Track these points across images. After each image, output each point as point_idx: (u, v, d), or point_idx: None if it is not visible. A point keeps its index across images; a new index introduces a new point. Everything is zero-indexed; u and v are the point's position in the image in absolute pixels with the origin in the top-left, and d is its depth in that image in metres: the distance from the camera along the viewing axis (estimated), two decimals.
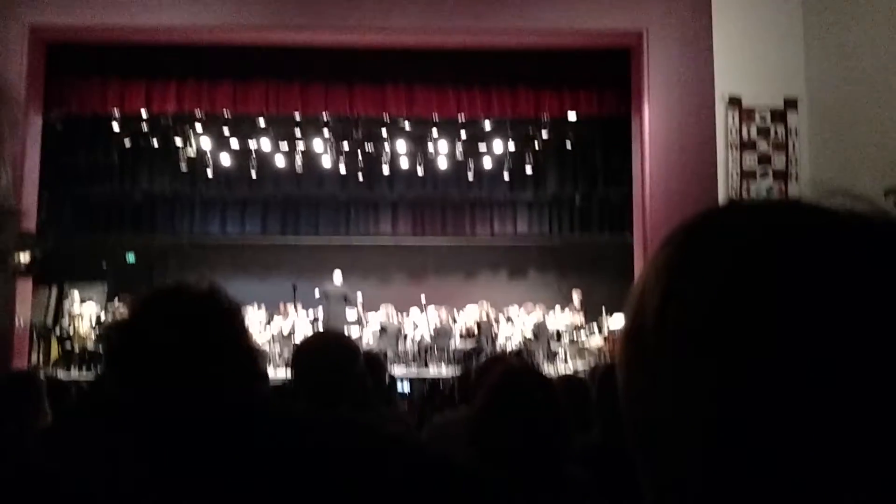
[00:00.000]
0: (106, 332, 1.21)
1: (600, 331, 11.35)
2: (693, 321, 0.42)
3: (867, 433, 0.38)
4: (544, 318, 11.55)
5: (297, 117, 11.02)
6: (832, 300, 0.39)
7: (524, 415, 1.76)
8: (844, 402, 0.38)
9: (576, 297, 11.92)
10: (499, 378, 1.89)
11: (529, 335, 11.15)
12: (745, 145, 8.53)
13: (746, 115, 8.60)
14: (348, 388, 1.95)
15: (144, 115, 10.80)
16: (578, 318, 11.65)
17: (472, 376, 2.93)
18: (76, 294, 11.52)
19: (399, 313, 11.78)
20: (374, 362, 3.30)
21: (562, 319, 11.66)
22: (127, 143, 11.76)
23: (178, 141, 11.92)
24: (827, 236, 0.42)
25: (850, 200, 0.44)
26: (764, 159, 8.51)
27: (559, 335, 11.46)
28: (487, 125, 11.44)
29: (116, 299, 11.66)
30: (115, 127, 11.12)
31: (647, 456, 0.46)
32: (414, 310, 11.90)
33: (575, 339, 11.38)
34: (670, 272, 0.45)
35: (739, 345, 0.40)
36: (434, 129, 11.60)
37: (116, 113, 10.49)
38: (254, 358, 1.19)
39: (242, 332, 1.19)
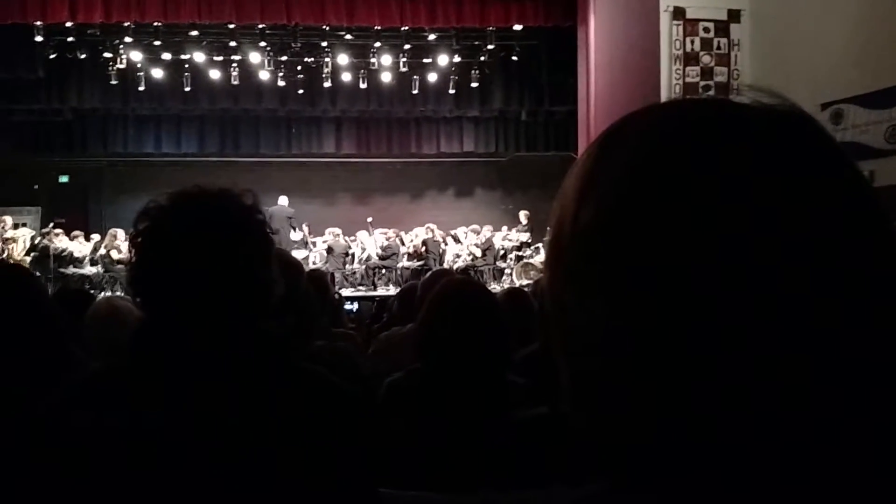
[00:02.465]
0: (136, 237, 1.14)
1: (545, 248, 11.50)
2: (595, 223, 0.44)
3: (747, 333, 0.40)
4: (492, 237, 11.64)
5: (232, 27, 10.55)
6: (718, 196, 0.41)
7: (466, 324, 1.77)
8: (723, 303, 0.39)
9: (523, 216, 12.01)
10: (441, 289, 1.89)
11: (477, 254, 11.24)
12: (689, 58, 8.52)
13: (690, 26, 8.56)
14: (293, 304, 1.92)
15: (69, 26, 10.20)
16: (525, 237, 11.77)
17: (416, 291, 2.93)
18: (9, 220, 11.09)
19: (346, 236, 11.71)
20: (319, 280, 3.26)
21: (509, 238, 11.77)
22: (52, 56, 11.09)
23: (107, 54, 11.31)
24: (727, 130, 0.43)
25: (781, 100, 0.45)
26: (707, 72, 8.53)
27: (506, 253, 11.59)
28: (432, 37, 11.15)
29: (51, 223, 11.27)
30: (39, 38, 10.45)
31: (561, 349, 0.47)
32: (361, 232, 11.84)
33: (522, 256, 11.53)
34: (584, 176, 0.46)
35: (623, 246, 0.42)
36: (377, 41, 11.25)
37: (39, 24, 9.87)
38: (267, 290, 1.14)
39: (265, 261, 1.14)
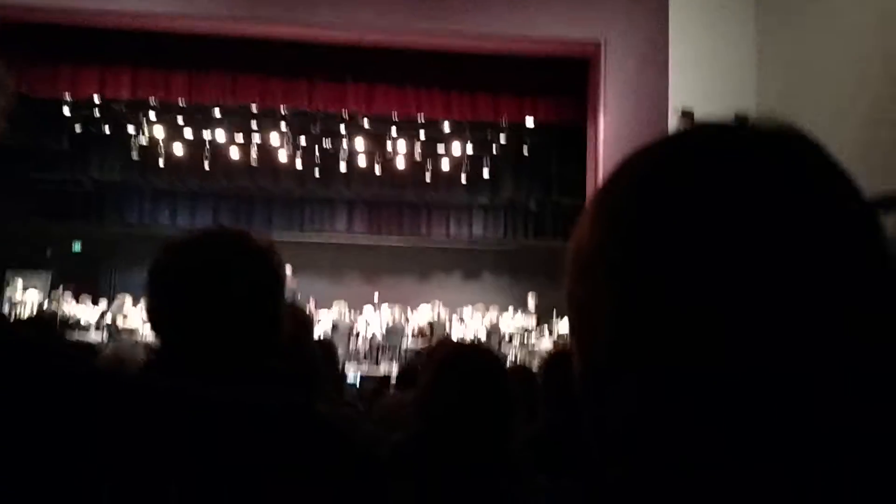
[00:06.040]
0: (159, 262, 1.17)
1: (551, 334, 11.47)
2: (603, 238, 0.48)
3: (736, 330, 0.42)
4: (497, 320, 11.63)
5: (255, 109, 10.91)
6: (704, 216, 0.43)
7: (470, 388, 1.78)
8: (713, 307, 0.42)
9: (531, 300, 12.02)
10: (447, 353, 1.92)
11: (481, 336, 11.21)
12: None
13: None
14: (301, 359, 1.95)
15: (97, 101, 10.57)
16: (531, 322, 11.75)
17: (418, 366, 2.95)
18: (19, 282, 11.20)
19: (352, 311, 11.72)
20: (328, 348, 3.29)
21: (514, 322, 11.76)
22: (78, 128, 11.46)
23: (131, 128, 11.67)
24: (730, 148, 0.46)
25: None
26: None
27: (511, 337, 11.55)
28: (447, 127, 11.49)
29: (61, 288, 11.36)
30: (66, 111, 10.83)
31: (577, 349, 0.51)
32: (367, 308, 11.86)
33: (525, 341, 11.48)
34: (596, 198, 0.50)
35: (623, 259, 0.45)
36: (393, 129, 11.59)
37: (68, 97, 10.24)
38: (276, 328, 1.18)
39: (276, 300, 1.19)
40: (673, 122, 8.81)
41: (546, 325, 11.60)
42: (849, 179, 0.46)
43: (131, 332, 10.07)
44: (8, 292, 11.09)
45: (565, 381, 2.64)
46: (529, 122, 10.37)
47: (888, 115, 6.52)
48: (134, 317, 10.17)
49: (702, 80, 8.89)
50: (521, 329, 11.57)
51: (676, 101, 8.86)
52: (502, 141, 11.79)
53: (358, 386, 7.87)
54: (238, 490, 1.03)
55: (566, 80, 9.54)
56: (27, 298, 10.97)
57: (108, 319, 10.50)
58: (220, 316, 1.11)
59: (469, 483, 1.74)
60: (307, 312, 2.43)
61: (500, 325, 11.52)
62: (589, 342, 0.49)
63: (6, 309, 10.77)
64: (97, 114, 11.24)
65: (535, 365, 10.24)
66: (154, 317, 1.16)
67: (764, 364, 0.41)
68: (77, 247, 13.40)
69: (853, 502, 0.40)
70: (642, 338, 0.44)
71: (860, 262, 0.43)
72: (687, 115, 8.96)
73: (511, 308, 12.18)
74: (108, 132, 11.68)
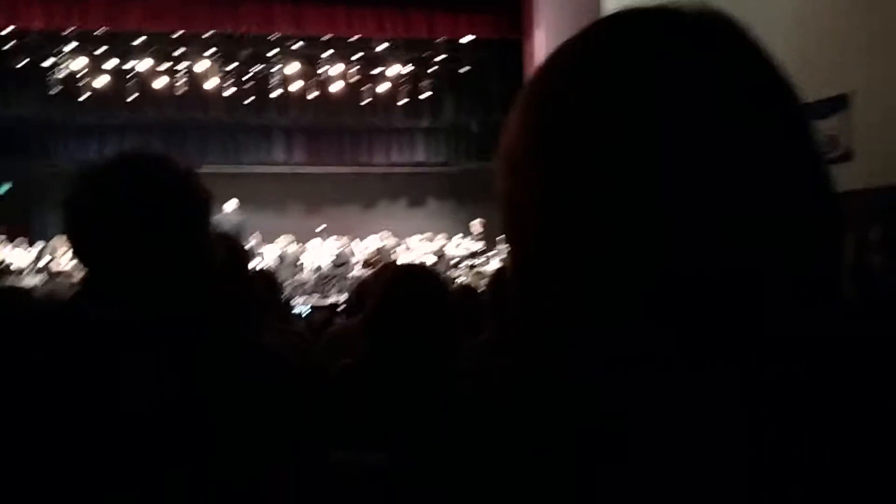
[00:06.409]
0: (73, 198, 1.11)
1: (498, 257, 11.58)
2: (537, 130, 0.47)
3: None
4: (444, 245, 11.68)
5: (178, 35, 10.41)
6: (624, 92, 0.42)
7: (413, 308, 1.78)
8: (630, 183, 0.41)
9: (477, 225, 12.06)
10: (390, 275, 1.91)
11: (430, 262, 11.25)
12: None
13: None
14: (238, 289, 1.91)
15: (8, 33, 9.93)
16: (478, 246, 11.83)
17: (367, 287, 2.93)
18: None
19: (297, 244, 11.60)
20: (266, 278, 3.22)
21: (462, 247, 11.82)
22: None
23: (48, 62, 11.03)
24: (656, 34, 0.44)
25: None
26: None
27: (459, 262, 11.63)
28: (381, 47, 11.17)
29: None
30: None
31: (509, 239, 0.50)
32: (313, 241, 11.75)
33: (474, 265, 11.58)
34: (525, 100, 0.50)
35: (562, 148, 0.44)
36: (326, 50, 11.22)
37: None
38: (205, 255, 1.15)
39: (202, 225, 1.14)
40: None
41: (493, 250, 11.69)
42: (776, 68, 0.45)
43: (68, 275, 9.78)
44: None
45: (510, 297, 2.65)
46: (466, 38, 10.17)
47: (833, 23, 6.55)
48: (69, 259, 9.85)
49: None
50: (469, 252, 11.65)
51: (609, 9, 8.77)
52: (438, 59, 11.52)
53: (308, 314, 7.86)
54: (176, 420, 1.00)
55: None
56: None
57: (42, 263, 10.15)
58: (141, 242, 1.06)
59: (415, 401, 1.75)
60: (241, 243, 2.36)
61: (447, 251, 11.56)
62: (520, 237, 0.48)
63: None
64: (10, 47, 10.56)
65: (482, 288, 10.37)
66: (76, 246, 1.10)
67: (696, 261, 0.40)
68: (4, 188, 12.83)
69: (796, 404, 0.41)
70: (571, 231, 0.43)
71: (793, 159, 0.42)
72: None
73: (459, 234, 12.22)
74: (23, 65, 11.00)
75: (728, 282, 0.40)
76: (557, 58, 0.48)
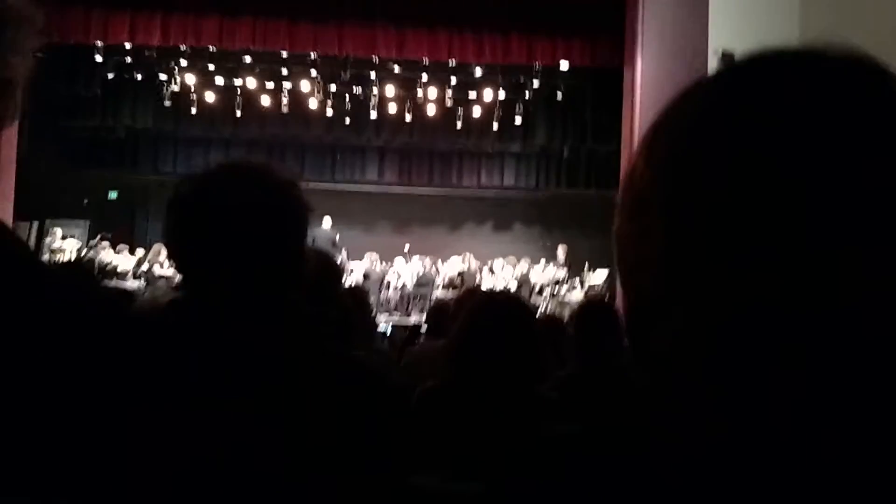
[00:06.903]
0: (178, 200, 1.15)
1: (582, 286, 11.42)
2: (660, 168, 0.45)
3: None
4: (528, 271, 11.60)
5: (284, 55, 10.82)
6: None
7: (500, 335, 1.77)
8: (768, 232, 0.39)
9: (561, 252, 11.95)
10: (477, 301, 1.90)
11: (512, 287, 11.20)
12: None
13: None
14: (330, 305, 1.94)
15: (128, 47, 10.56)
16: (562, 273, 11.70)
17: (448, 308, 2.93)
18: (59, 231, 11.42)
19: (383, 262, 11.78)
20: (360, 296, 3.27)
21: (545, 274, 11.71)
22: (110, 75, 11.48)
23: (163, 76, 11.67)
24: (793, 79, 0.43)
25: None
26: None
27: (541, 289, 11.52)
28: (478, 72, 11.28)
29: (98, 237, 11.56)
30: (98, 58, 10.83)
31: (626, 285, 0.49)
32: (398, 259, 11.91)
33: (556, 293, 11.45)
34: (651, 127, 0.48)
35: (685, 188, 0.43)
36: (424, 74, 11.42)
37: (100, 43, 10.24)
38: (299, 264, 1.16)
39: (299, 238, 1.15)
40: (713, 65, 8.53)
41: (578, 278, 11.54)
42: None
43: (168, 279, 10.25)
44: (47, 241, 11.32)
45: (595, 331, 2.61)
46: (564, 65, 10.13)
47: None
48: (170, 265, 10.34)
49: (743, 20, 8.56)
50: (552, 280, 11.53)
51: (716, 42, 8.55)
52: (535, 85, 11.53)
53: (389, 335, 7.93)
54: (273, 428, 1.01)
55: (601, 22, 9.27)
56: (66, 246, 11.19)
57: (144, 267, 10.68)
58: (240, 250, 1.08)
59: (498, 425, 1.72)
60: (336, 260, 2.40)
61: (531, 277, 11.48)
62: (639, 278, 0.47)
63: (46, 258, 11.01)
64: (129, 60, 11.23)
65: (565, 317, 10.24)
66: (174, 250, 1.13)
67: (823, 307, 0.38)
68: (113, 195, 13.58)
69: None
70: (694, 273, 0.42)
71: None
72: (727, 57, 8.67)
73: (543, 260, 12.13)
74: (139, 79, 11.69)
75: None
76: (691, 96, 0.47)
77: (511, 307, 1.87)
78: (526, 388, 1.78)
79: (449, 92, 11.68)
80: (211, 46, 10.15)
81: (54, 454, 1.00)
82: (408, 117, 12.18)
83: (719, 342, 0.41)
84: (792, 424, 0.39)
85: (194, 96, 11.97)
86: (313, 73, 11.50)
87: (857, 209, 0.38)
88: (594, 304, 3.16)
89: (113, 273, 10.61)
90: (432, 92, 11.76)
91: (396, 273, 11.68)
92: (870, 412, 0.38)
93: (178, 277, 1.14)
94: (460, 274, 11.39)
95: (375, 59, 10.66)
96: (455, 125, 12.40)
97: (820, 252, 0.38)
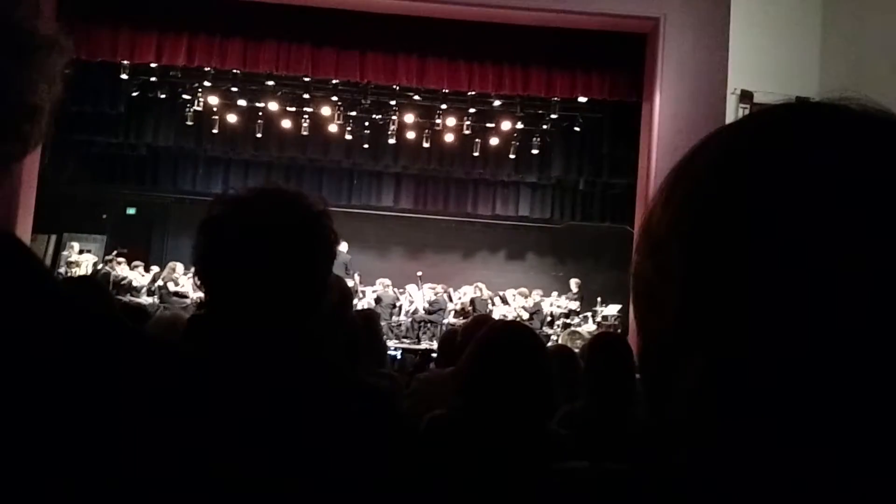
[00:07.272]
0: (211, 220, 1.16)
1: (594, 318, 11.37)
2: (678, 212, 0.46)
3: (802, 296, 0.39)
4: (540, 301, 11.58)
5: (307, 80, 10.95)
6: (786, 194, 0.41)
7: (512, 367, 1.76)
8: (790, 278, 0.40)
9: (573, 284, 11.92)
10: (488, 330, 1.90)
11: (524, 317, 11.17)
12: None
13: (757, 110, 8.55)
14: (341, 329, 1.95)
15: (153, 67, 10.73)
16: (575, 305, 11.66)
17: (457, 336, 2.94)
18: (76, 245, 11.54)
19: (395, 288, 11.80)
20: (371, 320, 3.28)
21: (558, 305, 11.68)
22: (134, 93, 11.66)
23: (186, 95, 11.84)
24: (818, 132, 0.43)
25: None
26: None
27: (553, 320, 11.48)
28: (497, 102, 11.36)
29: (114, 252, 11.67)
30: (124, 76, 11.00)
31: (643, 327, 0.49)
32: (410, 286, 11.93)
33: (569, 324, 11.40)
34: (670, 175, 0.49)
35: (703, 233, 0.44)
36: (443, 104, 11.52)
37: (126, 62, 10.40)
38: (320, 293, 1.17)
39: (325, 265, 1.17)
40: (731, 103, 8.55)
41: (590, 311, 11.50)
42: None
43: (182, 296, 10.31)
44: (64, 255, 11.43)
45: (608, 365, 2.61)
46: (582, 98, 10.18)
47: None
48: (184, 283, 10.40)
49: (762, 58, 8.60)
50: (566, 310, 11.50)
51: (735, 80, 8.59)
52: (553, 117, 11.59)
53: (399, 359, 7.92)
54: (282, 449, 1.02)
55: (620, 56, 9.32)
56: (83, 261, 11.29)
57: (158, 283, 10.75)
58: (268, 275, 1.09)
59: (507, 459, 1.72)
60: (347, 283, 2.42)
61: (543, 307, 11.46)
62: (655, 321, 0.47)
63: (62, 271, 11.11)
64: (153, 79, 11.40)
65: (578, 347, 10.17)
66: (203, 269, 1.14)
67: (838, 356, 0.38)
68: (131, 212, 13.72)
69: None
70: (712, 318, 0.42)
71: None
72: (746, 96, 8.69)
73: (555, 291, 12.10)
74: (163, 98, 11.86)
75: None
76: (714, 142, 0.48)
77: (522, 337, 1.87)
78: (535, 422, 1.77)
79: (467, 121, 11.77)
80: (235, 69, 10.28)
81: (61, 472, 1.01)
82: (425, 144, 12.27)
83: (742, 385, 0.41)
84: (820, 466, 0.39)
85: (216, 117, 12.12)
86: (334, 98, 11.63)
87: (878, 265, 0.38)
88: (607, 336, 3.16)
89: (127, 288, 10.68)
90: (451, 120, 11.85)
91: (409, 298, 11.70)
92: None
93: (197, 296, 1.16)
94: (472, 302, 11.38)
95: (396, 86, 10.76)
96: (472, 153, 12.48)
97: (842, 304, 0.38)
